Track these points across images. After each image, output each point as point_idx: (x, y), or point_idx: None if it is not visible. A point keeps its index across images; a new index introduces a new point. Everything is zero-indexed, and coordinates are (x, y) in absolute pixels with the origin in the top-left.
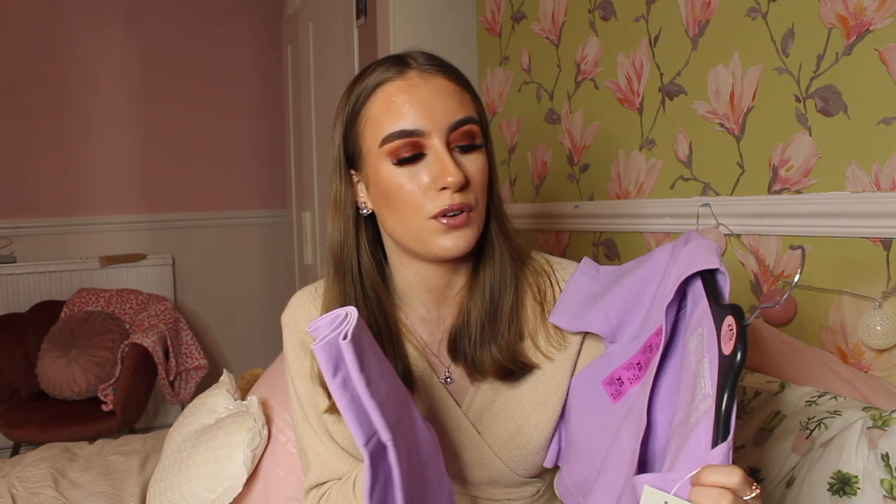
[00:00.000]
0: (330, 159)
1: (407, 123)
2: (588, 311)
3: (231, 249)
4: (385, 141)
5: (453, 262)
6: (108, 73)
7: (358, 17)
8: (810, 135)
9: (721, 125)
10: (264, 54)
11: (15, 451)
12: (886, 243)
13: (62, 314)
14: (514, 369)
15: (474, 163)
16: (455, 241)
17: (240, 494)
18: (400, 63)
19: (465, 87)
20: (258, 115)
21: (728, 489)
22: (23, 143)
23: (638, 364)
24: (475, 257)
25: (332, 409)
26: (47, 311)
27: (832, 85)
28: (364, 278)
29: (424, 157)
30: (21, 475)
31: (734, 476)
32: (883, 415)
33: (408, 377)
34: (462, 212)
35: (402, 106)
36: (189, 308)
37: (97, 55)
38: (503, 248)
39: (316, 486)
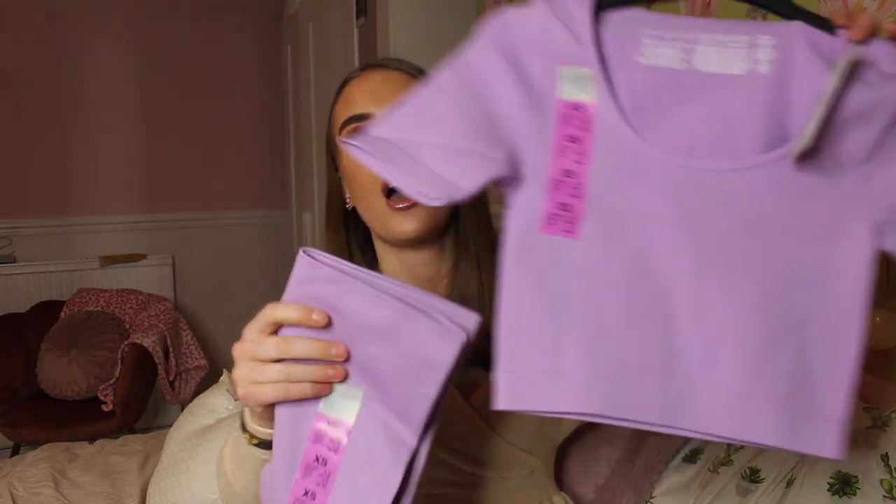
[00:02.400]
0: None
1: (357, 109)
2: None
3: (231, 249)
4: (341, 128)
5: (431, 248)
6: (108, 72)
7: (358, 17)
8: None
9: None
10: (264, 54)
11: (15, 451)
12: None
13: (62, 314)
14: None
15: None
16: (407, 226)
17: None
18: (362, 66)
19: (420, 79)
20: (258, 114)
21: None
22: (23, 143)
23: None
24: (455, 247)
25: None
26: (47, 311)
27: None
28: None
29: None
30: (21, 475)
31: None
32: (883, 415)
33: None
34: None
35: (353, 96)
36: (189, 308)
37: (97, 55)
38: (478, 237)
39: None
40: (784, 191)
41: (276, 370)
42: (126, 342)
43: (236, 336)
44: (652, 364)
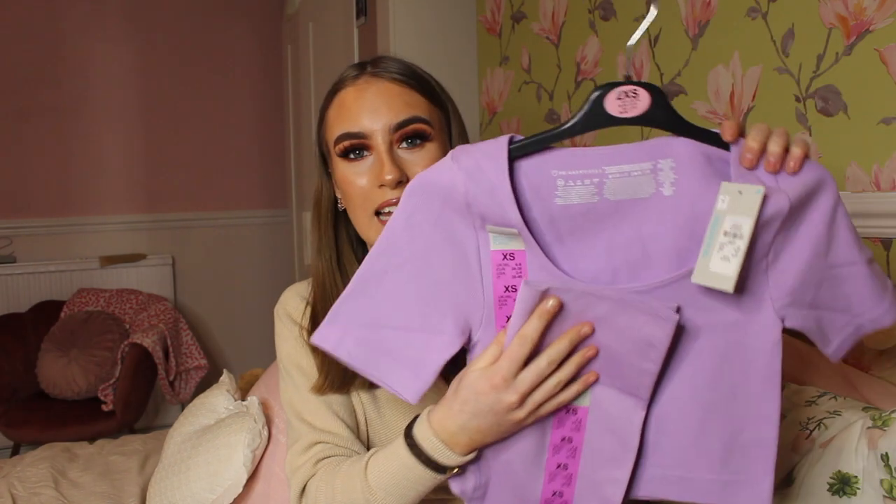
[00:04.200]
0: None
1: (353, 126)
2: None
3: (231, 249)
4: (336, 142)
5: None
6: (109, 73)
7: (358, 17)
8: (810, 135)
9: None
10: (264, 54)
11: (15, 451)
12: (886, 243)
13: (62, 314)
14: None
15: (422, 159)
16: None
17: (240, 495)
18: (358, 69)
19: (419, 89)
20: (258, 115)
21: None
22: (23, 143)
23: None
24: None
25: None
26: (47, 311)
27: (832, 85)
28: (344, 266)
29: (369, 155)
30: (21, 475)
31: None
32: (883, 415)
33: None
34: None
35: (349, 110)
36: (189, 308)
37: (97, 55)
38: None
39: (309, 446)
40: (702, 293)
41: (554, 382)
42: (126, 342)
43: (236, 336)
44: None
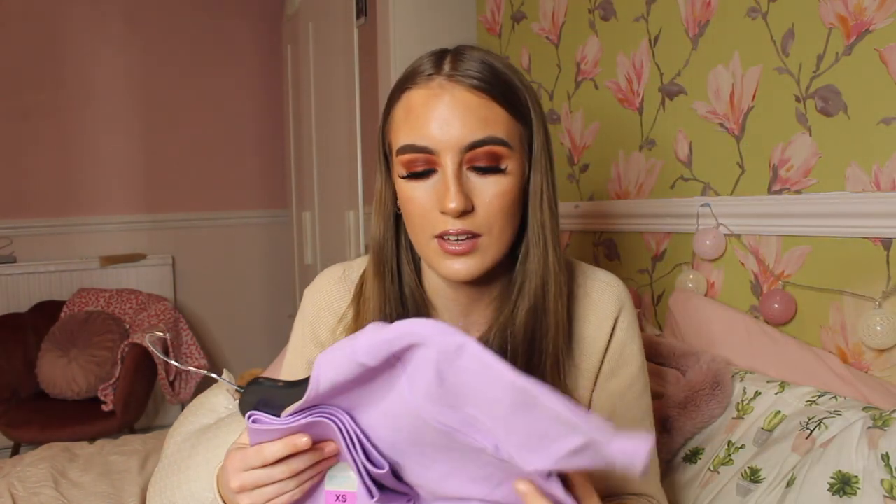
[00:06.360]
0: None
1: (419, 139)
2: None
3: (231, 249)
4: (399, 151)
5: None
6: (108, 73)
7: (358, 17)
8: (810, 135)
9: (721, 125)
10: (264, 54)
11: (15, 451)
12: (886, 243)
13: (62, 314)
14: None
15: (492, 186)
16: (459, 267)
17: None
18: (434, 65)
19: (501, 99)
20: (258, 115)
21: None
22: (23, 143)
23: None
24: (508, 275)
25: None
26: (47, 311)
27: (832, 85)
28: (403, 277)
29: (436, 172)
30: (21, 475)
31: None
32: (883, 415)
33: None
34: (468, 237)
35: (417, 117)
36: (189, 308)
37: (97, 55)
38: (539, 277)
39: None
40: None
41: (274, 488)
42: (126, 342)
43: (236, 336)
44: None
